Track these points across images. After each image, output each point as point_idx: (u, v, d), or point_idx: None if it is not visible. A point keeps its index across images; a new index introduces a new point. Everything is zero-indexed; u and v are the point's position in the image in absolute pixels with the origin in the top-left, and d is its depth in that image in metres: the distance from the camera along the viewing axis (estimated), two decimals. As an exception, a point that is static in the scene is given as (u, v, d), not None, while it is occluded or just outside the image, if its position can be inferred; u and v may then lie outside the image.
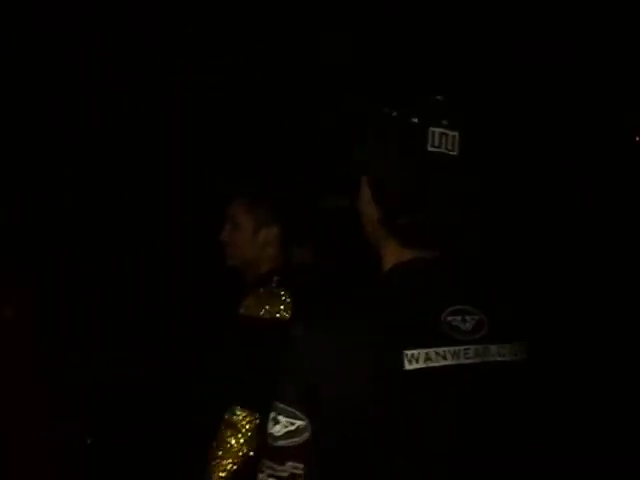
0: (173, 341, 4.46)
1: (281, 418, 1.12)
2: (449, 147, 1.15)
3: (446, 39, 5.04)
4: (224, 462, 1.74)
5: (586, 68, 5.00)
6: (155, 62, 5.13)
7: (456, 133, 1.16)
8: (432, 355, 1.11)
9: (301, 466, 1.11)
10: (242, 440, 1.74)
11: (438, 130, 1.15)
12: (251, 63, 5.30)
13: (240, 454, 1.75)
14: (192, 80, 5.19)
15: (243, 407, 1.77)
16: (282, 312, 1.86)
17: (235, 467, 1.74)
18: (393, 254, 1.21)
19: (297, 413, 1.11)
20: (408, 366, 1.09)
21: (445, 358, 1.12)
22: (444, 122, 1.16)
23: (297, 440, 1.10)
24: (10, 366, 1.97)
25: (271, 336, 1.75)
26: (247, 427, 1.75)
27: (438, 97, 1.22)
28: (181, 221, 5.36)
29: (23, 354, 2.02)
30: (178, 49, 5.17)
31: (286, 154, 5.11)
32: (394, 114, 1.19)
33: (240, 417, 1.75)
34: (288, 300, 1.89)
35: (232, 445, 1.74)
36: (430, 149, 1.15)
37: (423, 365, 1.10)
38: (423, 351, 1.11)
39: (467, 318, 1.15)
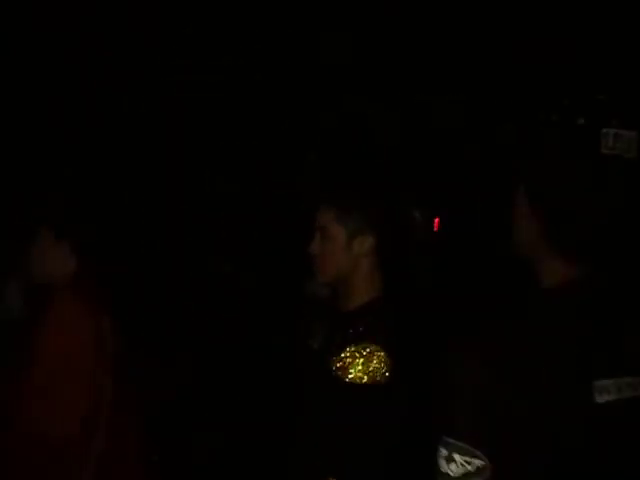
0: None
1: (456, 457, 1.00)
2: (625, 149, 1.04)
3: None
4: None
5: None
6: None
7: (634, 134, 1.05)
8: (623, 386, 1.01)
9: None
10: None
11: (612, 131, 1.04)
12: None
13: None
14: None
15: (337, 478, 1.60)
16: (379, 374, 1.64)
17: None
18: (558, 271, 1.08)
19: (475, 451, 0.99)
20: (599, 399, 0.99)
21: (636, 389, 1.02)
22: (614, 122, 1.06)
23: None
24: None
25: (371, 405, 1.61)
26: None
27: (600, 96, 1.13)
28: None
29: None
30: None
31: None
32: (554, 117, 1.10)
33: None
34: (384, 363, 1.64)
35: None
36: (604, 151, 1.04)
37: (615, 397, 1.00)
38: (614, 381, 1.00)
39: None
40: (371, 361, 1.64)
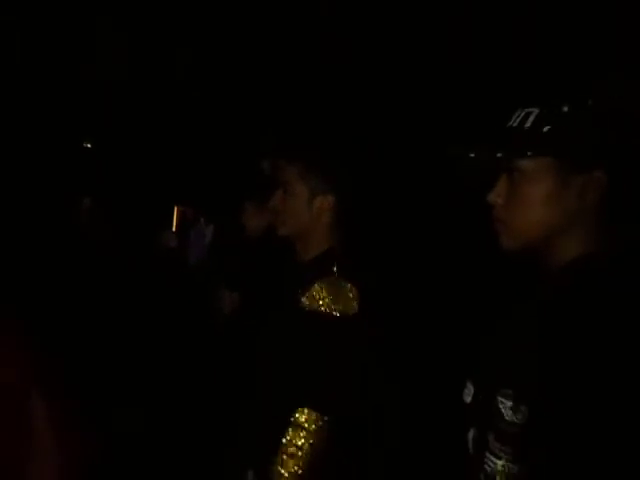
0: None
1: (522, 407, 1.10)
2: None
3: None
4: (290, 464, 1.67)
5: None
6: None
7: None
8: None
9: None
10: (310, 441, 1.68)
11: None
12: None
13: (307, 457, 1.68)
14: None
15: (311, 408, 1.69)
16: (346, 307, 1.75)
17: (300, 471, 1.68)
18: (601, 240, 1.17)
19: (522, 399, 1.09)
20: None
21: None
22: None
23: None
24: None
25: (341, 335, 1.71)
26: (314, 428, 1.68)
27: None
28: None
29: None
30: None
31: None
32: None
33: (309, 418, 1.68)
34: (351, 295, 1.77)
35: (299, 447, 1.68)
36: None
37: None
38: None
39: None
40: (340, 294, 1.75)
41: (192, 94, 5.31)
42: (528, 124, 1.17)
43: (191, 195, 6.00)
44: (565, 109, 1.16)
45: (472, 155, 1.26)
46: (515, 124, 1.19)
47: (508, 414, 1.11)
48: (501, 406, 1.13)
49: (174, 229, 6.90)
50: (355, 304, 1.75)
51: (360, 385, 1.78)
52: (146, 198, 7.08)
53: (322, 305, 1.73)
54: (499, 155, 1.20)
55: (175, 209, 7.18)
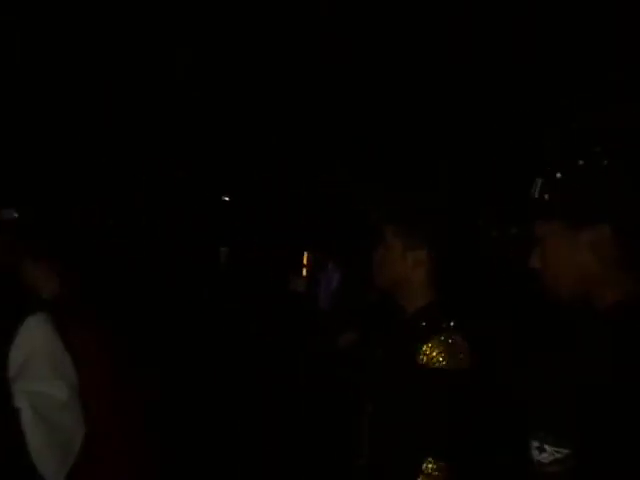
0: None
1: (547, 447, 1.19)
2: None
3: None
4: None
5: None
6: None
7: None
8: None
9: None
10: None
11: None
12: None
13: None
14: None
15: (436, 458, 1.80)
16: (458, 362, 1.85)
17: None
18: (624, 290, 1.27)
19: (564, 441, 1.18)
20: None
21: None
22: None
23: (564, 467, 1.18)
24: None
25: (457, 389, 1.83)
26: (441, 477, 1.80)
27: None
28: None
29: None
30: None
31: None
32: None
33: (435, 466, 1.80)
34: (463, 349, 1.87)
35: None
36: None
37: None
38: None
39: None
40: (453, 349, 1.85)
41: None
42: (536, 194, 1.35)
43: (321, 241, 6.23)
44: (559, 176, 1.32)
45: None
46: (531, 195, 1.37)
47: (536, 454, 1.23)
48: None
49: (304, 274, 7.16)
50: (467, 357, 1.86)
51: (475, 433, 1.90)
52: (277, 245, 7.36)
53: (437, 361, 1.84)
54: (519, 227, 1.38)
55: (305, 254, 7.41)
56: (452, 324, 1.88)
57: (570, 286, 1.33)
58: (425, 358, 1.83)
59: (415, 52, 5.23)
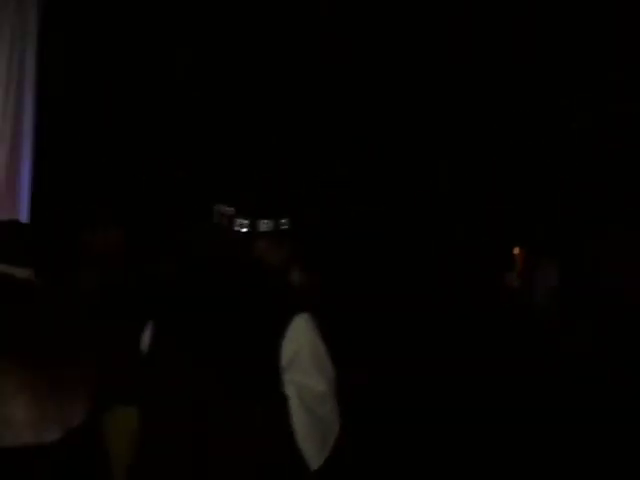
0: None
1: None
2: None
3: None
4: None
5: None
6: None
7: None
8: None
9: None
10: None
11: None
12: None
13: None
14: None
15: None
16: None
17: None
18: None
19: None
20: None
21: None
22: None
23: None
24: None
25: None
26: None
27: None
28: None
29: None
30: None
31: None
32: None
33: None
34: None
35: None
36: None
37: None
38: None
39: None
40: None
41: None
42: None
43: (527, 236, 6.05)
44: None
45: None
46: None
47: None
48: None
49: (517, 270, 6.80)
50: None
51: None
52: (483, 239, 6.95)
53: None
54: None
55: (517, 250, 6.99)
56: None
57: None
58: None
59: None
